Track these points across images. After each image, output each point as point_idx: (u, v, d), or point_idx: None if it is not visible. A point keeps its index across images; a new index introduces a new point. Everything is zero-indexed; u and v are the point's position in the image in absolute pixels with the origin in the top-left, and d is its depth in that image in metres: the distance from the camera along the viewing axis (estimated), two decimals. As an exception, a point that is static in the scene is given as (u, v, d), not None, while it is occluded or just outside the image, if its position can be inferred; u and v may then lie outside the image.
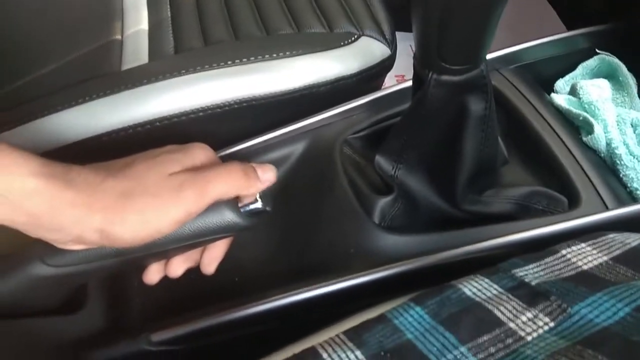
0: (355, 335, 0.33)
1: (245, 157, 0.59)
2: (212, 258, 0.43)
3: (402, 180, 0.52)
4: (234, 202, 0.39)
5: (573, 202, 0.49)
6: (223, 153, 0.58)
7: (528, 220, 0.48)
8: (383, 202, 0.52)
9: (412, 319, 0.33)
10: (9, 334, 0.44)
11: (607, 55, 0.63)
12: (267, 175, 0.40)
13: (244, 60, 0.63)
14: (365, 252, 0.49)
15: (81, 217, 0.34)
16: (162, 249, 0.40)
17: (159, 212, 0.35)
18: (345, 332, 0.33)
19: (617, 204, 0.48)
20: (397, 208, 0.52)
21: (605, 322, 0.29)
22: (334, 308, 0.43)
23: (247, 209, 0.40)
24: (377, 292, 0.46)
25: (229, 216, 0.39)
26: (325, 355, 0.31)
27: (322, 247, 0.52)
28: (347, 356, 0.31)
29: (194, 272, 0.43)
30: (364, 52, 0.66)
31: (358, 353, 0.31)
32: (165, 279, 0.43)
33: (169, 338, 0.45)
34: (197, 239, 0.40)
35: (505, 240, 0.46)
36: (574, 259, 0.35)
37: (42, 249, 0.40)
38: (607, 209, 0.48)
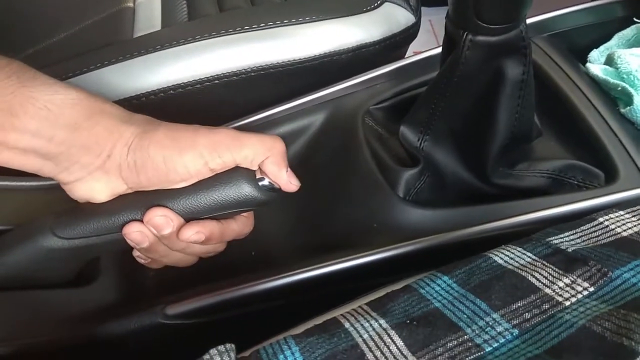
0: (379, 305, 0.33)
1: (262, 128, 0.59)
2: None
3: (429, 152, 0.51)
4: (252, 176, 0.39)
5: (610, 176, 0.48)
6: (239, 123, 0.58)
7: (562, 195, 0.47)
8: (408, 174, 0.51)
9: (439, 288, 0.33)
10: (20, 306, 0.45)
11: (645, 23, 0.62)
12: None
13: (262, 25, 0.62)
14: (389, 227, 0.49)
15: (116, 126, 0.38)
16: None
17: (189, 135, 0.38)
18: (369, 303, 0.33)
19: (657, 178, 0.48)
20: (422, 181, 0.51)
21: None
22: (356, 284, 0.43)
23: (266, 183, 0.40)
24: (400, 268, 0.46)
25: (247, 190, 0.39)
26: (347, 324, 0.31)
27: (343, 222, 0.52)
28: (371, 325, 0.31)
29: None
30: (387, 18, 0.66)
31: (382, 322, 0.31)
32: None
33: (185, 311, 0.45)
34: (213, 213, 0.40)
35: (538, 215, 0.45)
36: (612, 226, 0.35)
37: (53, 221, 0.41)
38: (646, 183, 0.47)
